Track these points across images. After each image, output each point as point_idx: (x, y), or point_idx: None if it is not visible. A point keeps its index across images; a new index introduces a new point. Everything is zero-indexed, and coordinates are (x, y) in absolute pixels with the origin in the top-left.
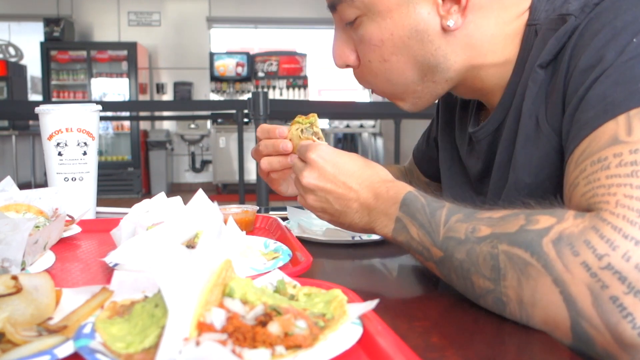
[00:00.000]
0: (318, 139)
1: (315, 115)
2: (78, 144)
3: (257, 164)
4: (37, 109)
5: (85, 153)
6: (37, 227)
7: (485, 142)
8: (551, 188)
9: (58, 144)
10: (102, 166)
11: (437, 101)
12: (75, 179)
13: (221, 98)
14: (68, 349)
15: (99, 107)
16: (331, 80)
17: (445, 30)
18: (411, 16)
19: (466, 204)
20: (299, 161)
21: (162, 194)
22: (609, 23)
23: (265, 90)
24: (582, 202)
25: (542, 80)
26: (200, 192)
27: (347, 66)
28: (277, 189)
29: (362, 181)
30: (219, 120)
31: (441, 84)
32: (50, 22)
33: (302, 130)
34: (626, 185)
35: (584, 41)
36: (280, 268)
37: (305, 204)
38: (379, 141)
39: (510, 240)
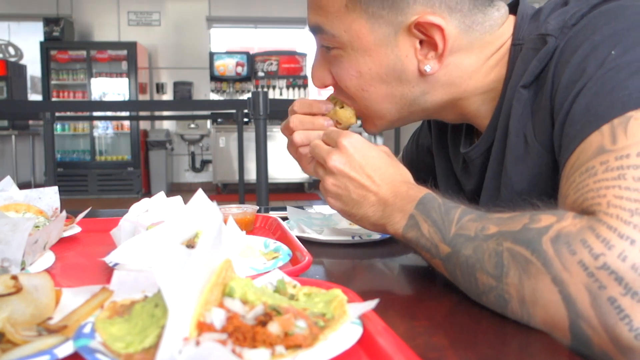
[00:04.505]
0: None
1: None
2: None
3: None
4: None
5: None
6: (37, 226)
7: (479, 162)
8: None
9: None
10: (102, 166)
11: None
12: None
13: (221, 98)
14: (68, 348)
15: None
16: None
17: (421, 74)
18: (389, 57)
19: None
20: (323, 144)
21: (162, 194)
22: (588, 38)
23: (265, 90)
24: (574, 209)
25: (526, 100)
26: (200, 192)
27: (326, 86)
28: (305, 166)
29: (385, 177)
30: (219, 120)
31: (418, 114)
32: (50, 22)
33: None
34: (614, 187)
35: (565, 58)
36: (280, 268)
37: (322, 187)
38: (379, 141)
39: (514, 238)
